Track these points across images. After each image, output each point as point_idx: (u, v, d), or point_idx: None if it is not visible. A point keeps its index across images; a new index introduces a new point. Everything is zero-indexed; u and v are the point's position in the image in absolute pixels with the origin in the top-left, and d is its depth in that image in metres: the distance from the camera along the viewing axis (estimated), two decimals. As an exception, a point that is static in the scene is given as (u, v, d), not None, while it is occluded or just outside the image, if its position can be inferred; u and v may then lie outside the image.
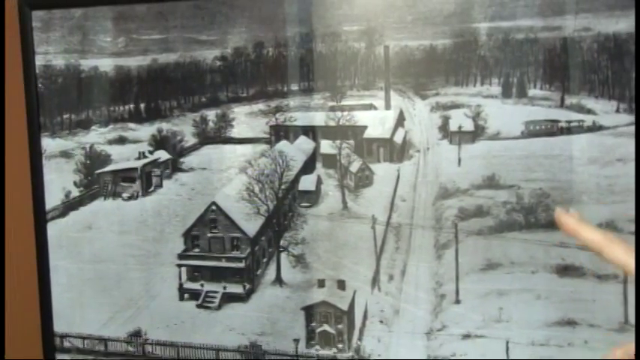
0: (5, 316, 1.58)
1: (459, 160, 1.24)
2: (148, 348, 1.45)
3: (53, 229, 1.49)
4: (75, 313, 1.49)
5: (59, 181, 1.48)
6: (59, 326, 1.50)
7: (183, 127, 1.40)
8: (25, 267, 1.52)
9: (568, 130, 1.18)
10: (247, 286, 1.38)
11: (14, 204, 1.53)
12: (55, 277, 1.49)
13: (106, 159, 1.45)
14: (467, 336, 1.25)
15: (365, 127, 1.29)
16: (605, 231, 0.77)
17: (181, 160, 1.41)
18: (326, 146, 1.32)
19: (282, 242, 1.35)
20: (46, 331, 1.50)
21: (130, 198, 1.44)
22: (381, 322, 1.31)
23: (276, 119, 1.34)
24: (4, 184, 1.54)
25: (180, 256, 1.42)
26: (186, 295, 1.42)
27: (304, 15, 1.29)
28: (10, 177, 1.54)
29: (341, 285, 1.32)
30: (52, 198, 1.48)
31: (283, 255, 1.35)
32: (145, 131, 1.42)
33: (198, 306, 1.41)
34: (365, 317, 1.31)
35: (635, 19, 1.08)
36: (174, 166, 1.41)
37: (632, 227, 1.15)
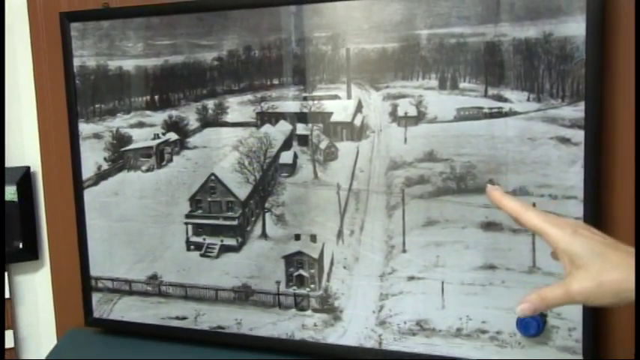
0: (53, 266, 1.61)
1: (405, 139, 1.24)
2: (163, 288, 1.47)
3: (88, 195, 1.50)
4: (106, 260, 1.51)
5: (92, 157, 1.49)
6: (94, 271, 1.52)
7: (189, 114, 1.40)
8: (67, 225, 1.55)
9: (490, 115, 1.18)
10: (239, 240, 1.39)
11: (58, 176, 1.56)
12: (91, 233, 1.51)
13: (129, 139, 1.46)
14: (411, 278, 1.26)
15: (331, 113, 1.29)
16: (522, 201, 0.81)
17: (187, 140, 1.41)
18: (300, 128, 1.32)
19: (266, 205, 1.35)
20: (84, 275, 1.53)
21: (147, 170, 1.45)
22: (344, 267, 1.31)
23: (262, 107, 1.34)
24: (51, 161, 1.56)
25: (187, 216, 1.42)
26: (192, 247, 1.43)
27: (283, 24, 1.29)
28: (54, 155, 1.57)
29: (313, 238, 1.33)
30: (87, 170, 1.50)
31: (267, 215, 1.36)
32: (159, 117, 1.42)
33: (201, 255, 1.42)
34: (332, 263, 1.32)
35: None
36: (181, 145, 1.41)
37: (540, 191, 1.16)
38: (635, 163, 1.11)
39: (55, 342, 1.59)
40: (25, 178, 1.56)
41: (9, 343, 1.58)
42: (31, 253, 1.59)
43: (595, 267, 0.73)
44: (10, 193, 1.54)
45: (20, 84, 1.59)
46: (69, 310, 1.59)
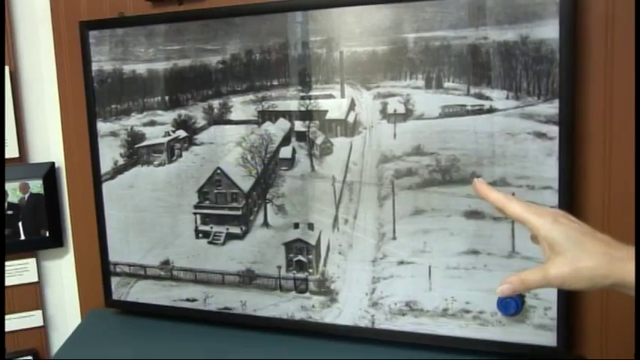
0: (76, 252, 1.61)
1: (395, 135, 1.23)
2: (174, 273, 1.47)
3: (106, 188, 1.51)
4: (123, 247, 1.51)
5: (110, 153, 1.49)
6: (112, 257, 1.52)
7: (196, 113, 1.39)
8: (88, 215, 1.56)
9: (472, 112, 1.17)
10: (243, 228, 1.39)
11: (80, 170, 1.57)
12: (109, 222, 1.51)
13: (142, 137, 1.45)
14: (401, 262, 1.26)
15: (326, 111, 1.29)
16: (505, 193, 0.81)
17: (195, 137, 1.40)
18: (298, 125, 1.31)
19: (268, 196, 1.35)
20: (104, 260, 1.53)
21: (159, 165, 1.44)
22: (340, 253, 1.31)
23: (262, 106, 1.33)
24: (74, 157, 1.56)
25: (196, 207, 1.42)
26: (200, 235, 1.43)
27: (282, 30, 1.29)
28: (76, 151, 1.58)
29: (310, 227, 1.33)
30: (105, 165, 1.50)
31: (269, 205, 1.36)
32: (169, 116, 1.42)
33: (209, 242, 1.42)
34: (328, 250, 1.32)
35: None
36: (190, 142, 1.41)
37: (519, 182, 1.15)
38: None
39: (79, 321, 1.61)
40: (50, 172, 1.57)
41: (38, 322, 1.59)
42: (57, 241, 1.60)
43: (572, 254, 0.73)
44: (37, 186, 1.55)
45: (45, 87, 1.59)
46: (91, 292, 1.60)
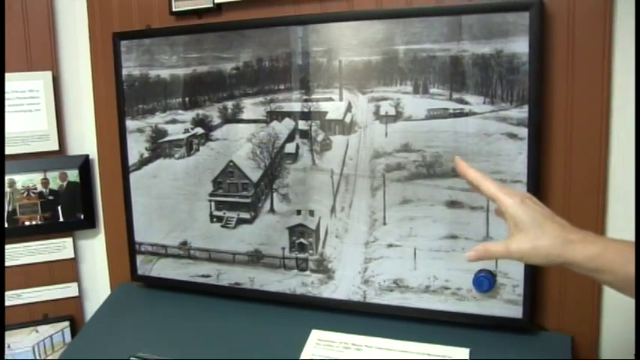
0: (106, 233, 1.64)
1: (386, 134, 1.25)
2: (191, 252, 1.48)
3: (133, 177, 1.52)
4: (147, 229, 1.53)
5: (136, 147, 1.51)
6: (138, 237, 1.54)
7: (212, 113, 1.41)
8: (117, 201, 1.57)
9: (454, 115, 1.19)
10: (252, 214, 1.40)
11: (110, 162, 1.60)
12: (135, 208, 1.53)
13: (165, 133, 1.47)
14: (390, 245, 1.28)
15: (326, 112, 1.30)
16: (482, 172, 0.82)
17: (211, 133, 1.42)
18: (302, 124, 1.33)
19: (274, 186, 1.37)
20: (130, 240, 1.55)
21: (179, 158, 1.46)
22: (336, 236, 1.33)
23: (270, 107, 1.35)
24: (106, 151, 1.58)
25: (211, 195, 1.44)
26: (214, 219, 1.44)
27: (288, 41, 1.31)
28: (107, 145, 1.60)
29: (311, 213, 1.34)
30: (133, 158, 1.52)
31: (275, 194, 1.37)
32: (188, 115, 1.43)
33: (222, 226, 1.44)
34: (326, 233, 1.34)
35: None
36: (206, 138, 1.42)
37: (493, 177, 1.11)
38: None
39: (109, 292, 1.63)
40: (85, 164, 1.60)
41: (74, 292, 1.62)
42: (90, 223, 1.62)
43: (533, 233, 0.75)
44: (73, 175, 1.58)
45: (82, 89, 1.62)
46: (119, 268, 1.63)
